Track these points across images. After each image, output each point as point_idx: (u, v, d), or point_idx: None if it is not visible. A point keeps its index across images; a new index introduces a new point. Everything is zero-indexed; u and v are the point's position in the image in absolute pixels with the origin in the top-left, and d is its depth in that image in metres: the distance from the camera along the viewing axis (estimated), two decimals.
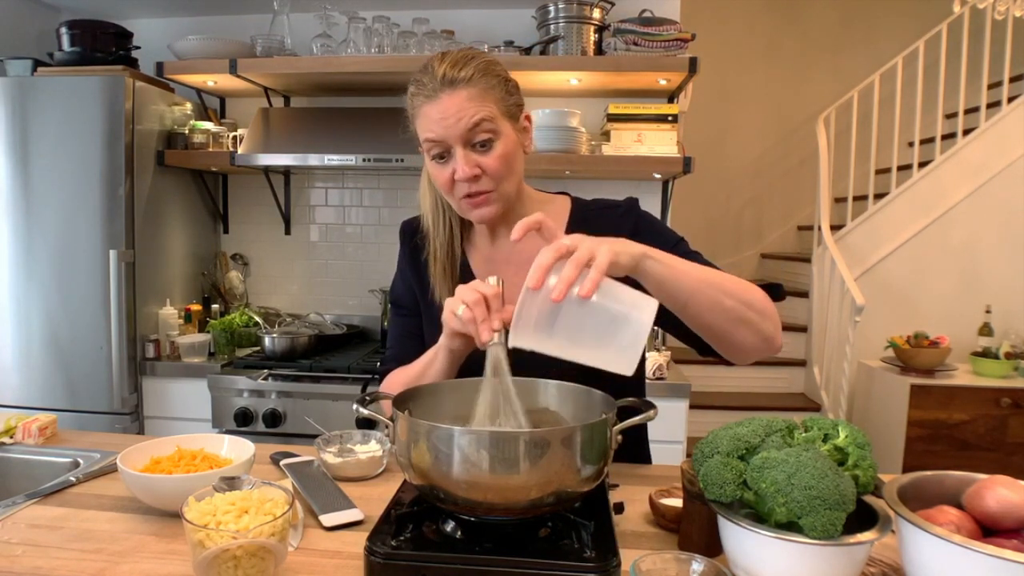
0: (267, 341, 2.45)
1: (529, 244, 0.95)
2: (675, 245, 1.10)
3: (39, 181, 2.34)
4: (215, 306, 2.72)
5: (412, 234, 1.26)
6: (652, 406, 0.89)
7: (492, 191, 1.08)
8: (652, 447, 1.32)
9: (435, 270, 1.19)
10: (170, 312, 2.52)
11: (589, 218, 1.19)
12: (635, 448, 1.26)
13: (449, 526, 0.85)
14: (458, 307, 0.94)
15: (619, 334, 0.82)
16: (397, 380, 1.16)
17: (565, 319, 0.82)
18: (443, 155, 1.06)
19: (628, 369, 0.83)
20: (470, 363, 1.05)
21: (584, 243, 0.83)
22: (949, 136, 3.96)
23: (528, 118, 1.15)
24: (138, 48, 2.66)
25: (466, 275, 1.20)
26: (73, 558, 0.85)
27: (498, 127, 1.06)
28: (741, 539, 0.75)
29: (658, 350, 2.36)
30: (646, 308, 0.82)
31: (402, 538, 0.81)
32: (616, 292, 0.84)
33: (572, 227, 1.18)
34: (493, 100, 1.06)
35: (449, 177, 1.07)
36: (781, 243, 5.10)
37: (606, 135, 2.53)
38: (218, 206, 2.96)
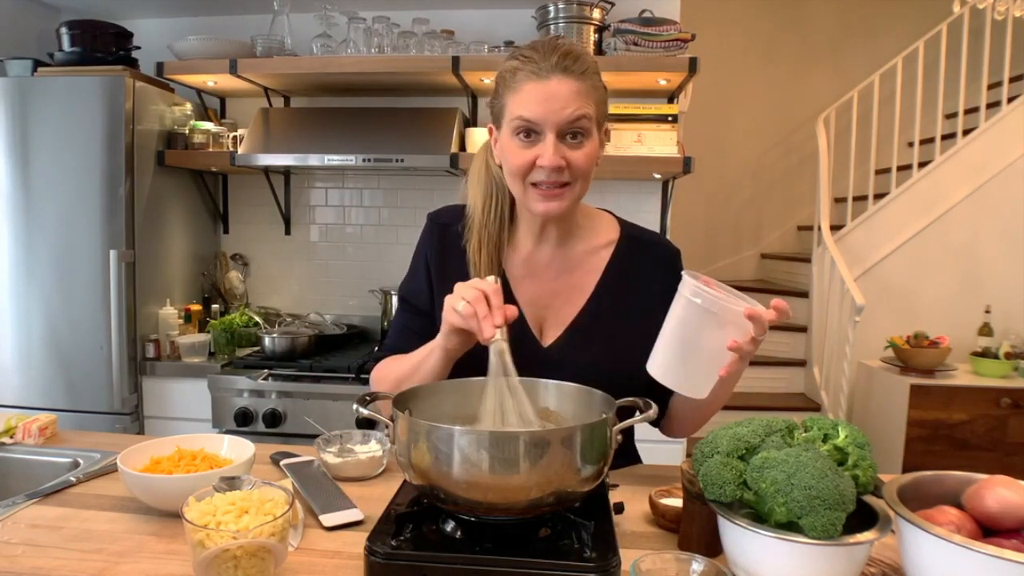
0: (267, 341, 2.45)
1: (573, 252, 1.18)
2: None
3: (39, 181, 2.34)
4: (215, 306, 2.72)
5: (445, 223, 1.21)
6: (651, 405, 0.89)
7: (569, 185, 1.08)
8: (652, 447, 1.32)
9: (479, 259, 1.16)
10: (170, 312, 2.52)
11: (634, 248, 1.21)
12: (624, 445, 1.25)
13: (449, 526, 0.85)
14: (458, 303, 0.95)
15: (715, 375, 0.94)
16: (389, 369, 1.16)
17: (701, 352, 0.92)
18: (530, 135, 1.05)
19: (702, 394, 0.95)
20: (465, 366, 1.05)
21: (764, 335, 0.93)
22: (949, 136, 3.95)
23: (608, 132, 1.16)
24: (138, 48, 2.65)
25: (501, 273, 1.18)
26: (73, 558, 0.85)
27: (592, 128, 1.07)
28: (741, 539, 0.75)
29: None
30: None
31: (402, 538, 0.81)
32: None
33: (619, 253, 1.20)
34: (594, 102, 1.07)
35: (529, 161, 1.05)
36: (781, 243, 5.10)
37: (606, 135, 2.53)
38: (218, 206, 2.96)
